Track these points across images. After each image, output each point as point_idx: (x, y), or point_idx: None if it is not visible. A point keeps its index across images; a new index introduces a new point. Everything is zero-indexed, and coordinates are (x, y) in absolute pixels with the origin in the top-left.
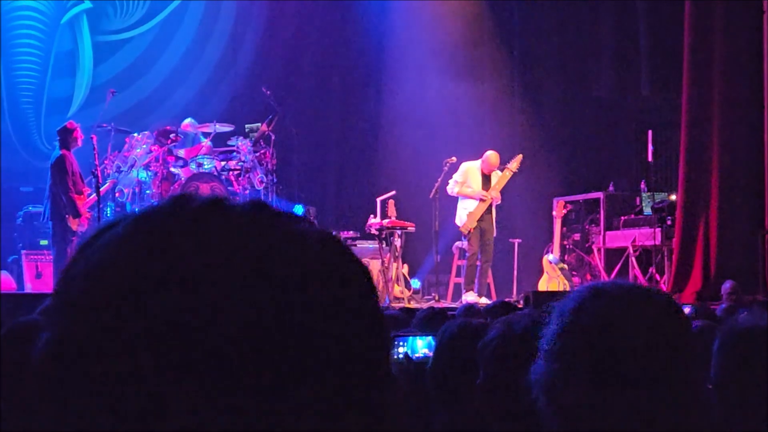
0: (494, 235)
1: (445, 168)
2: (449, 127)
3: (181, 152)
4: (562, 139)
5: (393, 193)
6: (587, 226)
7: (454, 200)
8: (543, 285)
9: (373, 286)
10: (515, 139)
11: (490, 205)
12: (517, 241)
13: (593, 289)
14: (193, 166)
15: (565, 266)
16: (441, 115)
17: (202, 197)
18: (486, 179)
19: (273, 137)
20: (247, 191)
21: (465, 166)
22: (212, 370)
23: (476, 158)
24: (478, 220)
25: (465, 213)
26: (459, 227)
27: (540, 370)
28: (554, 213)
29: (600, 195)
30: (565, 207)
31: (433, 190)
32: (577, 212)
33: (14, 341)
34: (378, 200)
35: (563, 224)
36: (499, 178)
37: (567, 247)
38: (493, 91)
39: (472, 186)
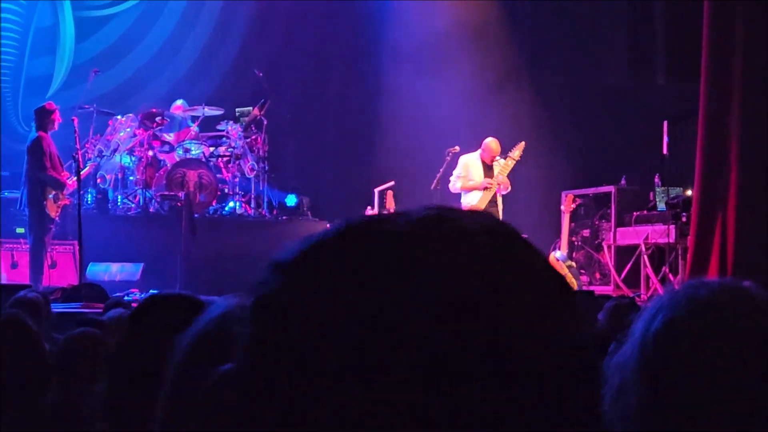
0: None
1: (448, 158)
2: (451, 115)
3: (168, 136)
4: (572, 129)
5: (392, 183)
6: (597, 222)
7: (456, 195)
8: None
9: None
10: (522, 129)
11: (496, 197)
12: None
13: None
14: (179, 152)
15: (573, 264)
16: (443, 103)
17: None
18: (488, 169)
19: (265, 122)
20: (237, 179)
21: (464, 159)
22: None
23: (478, 149)
24: None
25: (469, 207)
26: None
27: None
28: (562, 207)
29: (611, 189)
30: (573, 201)
31: (435, 181)
32: (587, 207)
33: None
34: (375, 191)
35: (572, 219)
36: (501, 167)
37: (575, 243)
38: (498, 78)
39: (474, 178)
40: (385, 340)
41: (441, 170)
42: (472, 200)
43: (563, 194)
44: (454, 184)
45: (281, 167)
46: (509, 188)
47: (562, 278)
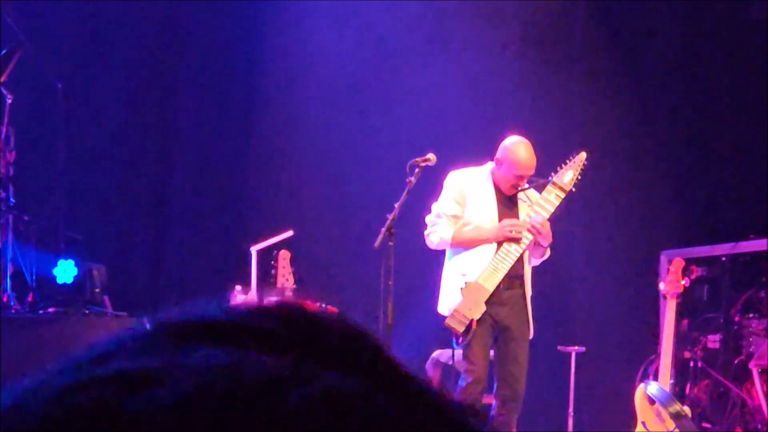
0: (530, 336)
1: (411, 180)
2: (427, 98)
3: None
4: (682, 122)
5: (288, 234)
6: (737, 317)
7: (430, 256)
8: None
9: None
10: (574, 134)
11: (522, 265)
12: (574, 350)
13: None
14: None
15: (687, 412)
16: (409, 77)
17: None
18: (508, 204)
19: (8, 101)
20: None
21: (458, 179)
22: None
23: (480, 161)
24: (491, 301)
25: (458, 284)
26: (444, 318)
27: None
28: (662, 286)
29: (766, 244)
30: (686, 274)
31: (383, 231)
32: (714, 285)
33: None
34: (253, 251)
35: (683, 312)
36: (539, 203)
37: (692, 364)
38: (525, 32)
39: (477, 220)
40: None
41: (396, 207)
42: (472, 266)
43: (664, 258)
44: (439, 231)
45: (45, 202)
46: (548, 250)
47: None
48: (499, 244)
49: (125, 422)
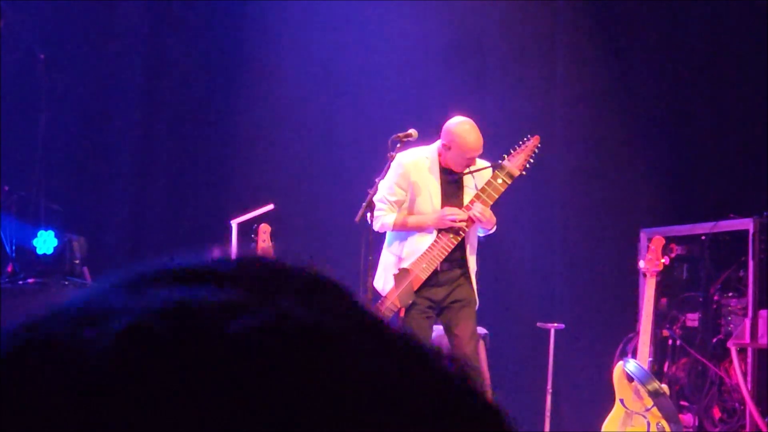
0: (476, 305)
1: (393, 155)
2: (409, 74)
3: None
4: (662, 100)
5: (270, 207)
6: (716, 297)
7: (381, 231)
8: (613, 427)
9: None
10: (555, 112)
11: (464, 248)
12: (553, 326)
13: None
14: None
15: (665, 389)
16: (391, 54)
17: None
18: (453, 188)
19: None
20: None
21: (404, 161)
22: None
23: (435, 141)
24: (427, 284)
25: (394, 267)
26: (378, 292)
27: None
28: (642, 264)
29: (748, 224)
30: (666, 252)
31: (364, 206)
32: (694, 263)
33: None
34: (233, 224)
35: (663, 291)
36: (485, 188)
37: (671, 342)
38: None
39: (420, 207)
40: None
41: (377, 182)
42: (410, 251)
43: (644, 236)
44: (381, 217)
45: (25, 172)
46: (493, 227)
47: None
48: (439, 230)
49: (74, 350)
